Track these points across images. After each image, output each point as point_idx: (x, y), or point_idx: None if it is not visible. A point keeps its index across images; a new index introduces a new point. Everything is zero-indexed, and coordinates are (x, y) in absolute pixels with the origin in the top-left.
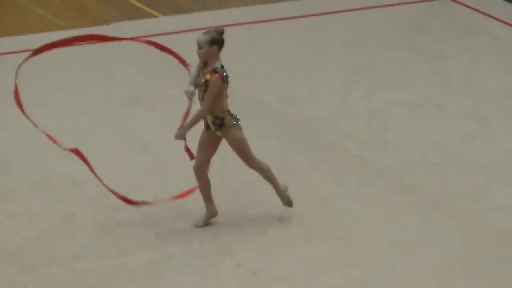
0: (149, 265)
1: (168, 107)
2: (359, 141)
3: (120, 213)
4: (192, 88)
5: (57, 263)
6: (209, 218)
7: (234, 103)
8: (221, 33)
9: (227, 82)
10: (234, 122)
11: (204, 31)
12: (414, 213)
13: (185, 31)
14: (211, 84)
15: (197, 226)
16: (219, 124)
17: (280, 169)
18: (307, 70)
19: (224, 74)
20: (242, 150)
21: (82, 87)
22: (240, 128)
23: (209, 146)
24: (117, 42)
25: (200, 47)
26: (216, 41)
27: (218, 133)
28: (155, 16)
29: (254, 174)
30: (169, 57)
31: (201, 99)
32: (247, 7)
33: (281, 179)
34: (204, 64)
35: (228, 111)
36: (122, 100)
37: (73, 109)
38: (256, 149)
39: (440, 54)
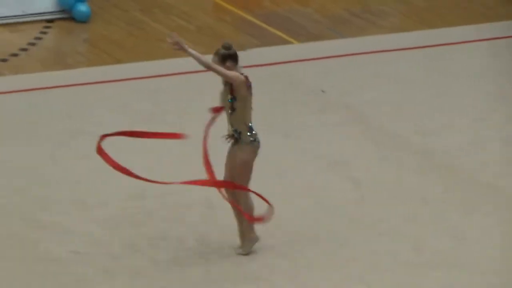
0: None
1: (303, 134)
2: (494, 171)
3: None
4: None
5: (190, 286)
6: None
7: (368, 132)
8: (228, 47)
9: (251, 92)
10: (251, 140)
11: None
12: None
13: (319, 58)
14: (236, 87)
15: (239, 254)
16: (236, 138)
17: (413, 198)
18: (440, 99)
19: (249, 81)
20: (242, 174)
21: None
22: (254, 151)
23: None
24: (252, 69)
25: None
26: (226, 56)
27: (237, 150)
28: (291, 43)
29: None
30: (302, 85)
31: (230, 111)
32: (382, 35)
33: (414, 208)
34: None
35: (250, 127)
36: (259, 127)
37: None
38: (390, 178)
39: None
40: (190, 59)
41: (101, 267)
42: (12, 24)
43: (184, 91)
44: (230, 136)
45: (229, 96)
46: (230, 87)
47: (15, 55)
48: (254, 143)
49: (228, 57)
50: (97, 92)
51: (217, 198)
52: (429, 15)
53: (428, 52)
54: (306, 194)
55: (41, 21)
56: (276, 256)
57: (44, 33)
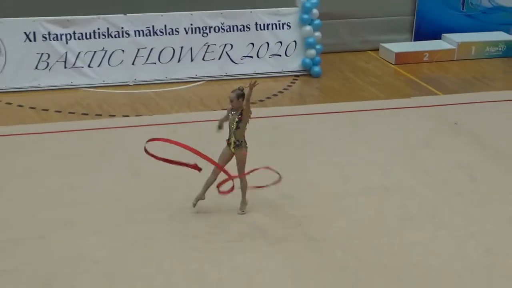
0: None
1: (446, 148)
2: None
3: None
4: (218, 127)
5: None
6: (198, 200)
7: (483, 150)
8: (242, 89)
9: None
10: (245, 144)
11: (232, 90)
12: None
13: (456, 104)
14: (245, 112)
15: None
16: (238, 144)
17: None
18: None
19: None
20: (241, 163)
21: (388, 135)
22: (245, 148)
23: (226, 157)
24: (414, 109)
25: (231, 101)
26: (241, 95)
27: (233, 150)
28: (438, 94)
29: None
30: (444, 119)
31: (233, 125)
32: (491, 92)
33: None
34: (234, 110)
35: (244, 137)
36: (416, 143)
37: (383, 149)
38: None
39: None
40: (375, 102)
41: None
42: (275, 77)
43: (376, 121)
44: (235, 143)
45: (237, 119)
46: (239, 114)
47: (275, 95)
48: (246, 145)
49: (241, 96)
50: (323, 119)
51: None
52: None
53: None
54: (445, 187)
55: (291, 76)
56: None
57: (293, 83)
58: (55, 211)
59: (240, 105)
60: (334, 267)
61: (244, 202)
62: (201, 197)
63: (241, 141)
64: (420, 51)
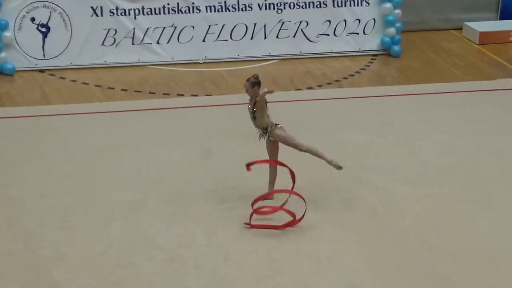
0: None
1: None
2: None
3: None
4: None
5: None
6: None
7: None
8: (256, 77)
9: (266, 104)
10: (275, 126)
11: (246, 79)
12: None
13: None
14: (258, 102)
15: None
16: (266, 133)
17: None
18: None
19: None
20: (286, 142)
21: (470, 118)
22: (279, 129)
23: (270, 147)
24: (498, 92)
25: (247, 90)
26: (255, 83)
27: (270, 138)
28: None
29: None
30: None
31: (252, 118)
32: None
33: None
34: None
35: (269, 123)
36: (499, 126)
37: (463, 133)
38: None
39: None
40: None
41: None
42: (351, 56)
43: (459, 104)
44: (261, 133)
45: (251, 110)
46: (253, 104)
47: (352, 75)
48: (277, 126)
49: (256, 84)
50: (403, 101)
51: None
52: None
53: None
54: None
55: (369, 55)
56: None
57: (371, 62)
58: (125, 192)
59: (255, 93)
60: (408, 257)
61: (271, 189)
62: (270, 197)
63: (267, 128)
64: (506, 30)
